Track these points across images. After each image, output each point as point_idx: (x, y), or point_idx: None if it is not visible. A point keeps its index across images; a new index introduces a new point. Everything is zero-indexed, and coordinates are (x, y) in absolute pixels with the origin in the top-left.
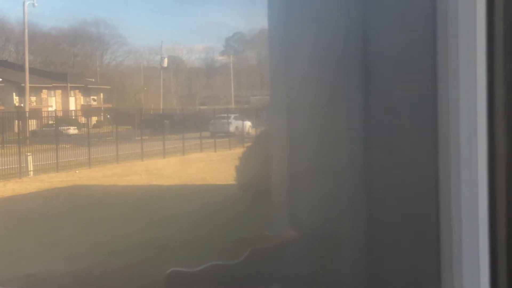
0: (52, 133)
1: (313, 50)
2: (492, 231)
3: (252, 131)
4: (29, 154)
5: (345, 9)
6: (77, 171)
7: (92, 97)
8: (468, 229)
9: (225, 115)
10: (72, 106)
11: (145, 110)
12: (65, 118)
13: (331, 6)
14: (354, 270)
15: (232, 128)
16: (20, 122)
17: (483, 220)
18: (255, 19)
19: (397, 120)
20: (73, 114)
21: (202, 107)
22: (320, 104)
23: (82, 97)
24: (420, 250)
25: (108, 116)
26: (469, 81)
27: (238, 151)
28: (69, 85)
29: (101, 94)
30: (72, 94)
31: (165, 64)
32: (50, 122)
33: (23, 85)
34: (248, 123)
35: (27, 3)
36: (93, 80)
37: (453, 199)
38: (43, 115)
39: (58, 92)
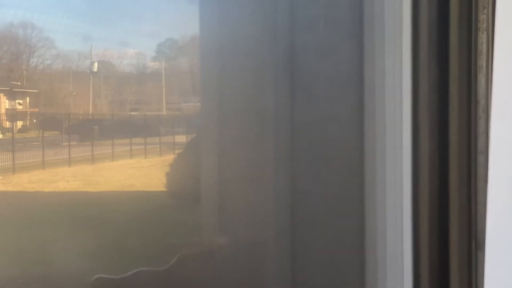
0: None
1: (243, 55)
2: (415, 236)
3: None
4: None
5: (272, 9)
6: (0, 177)
7: (17, 101)
8: (393, 240)
9: None
10: None
11: (74, 115)
12: None
13: (259, 9)
14: (279, 275)
15: None
16: None
17: (407, 229)
18: (187, 25)
19: (323, 119)
20: None
21: (132, 113)
22: (250, 109)
23: (7, 100)
24: (344, 253)
25: (35, 120)
26: (394, 76)
27: (169, 157)
28: None
29: (28, 98)
30: None
31: (95, 69)
32: None
33: None
34: None
35: None
36: (19, 83)
37: (378, 202)
38: None
39: None
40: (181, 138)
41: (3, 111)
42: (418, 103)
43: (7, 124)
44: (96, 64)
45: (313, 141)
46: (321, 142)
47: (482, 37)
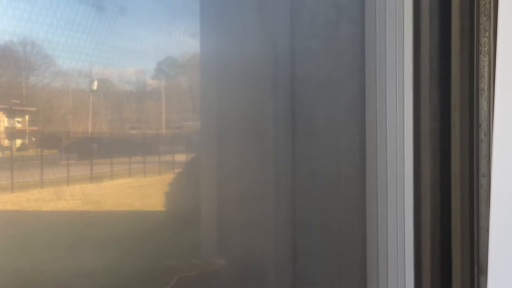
0: None
1: (243, 75)
2: (418, 262)
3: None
4: None
5: (273, 34)
6: None
7: (16, 119)
8: (395, 268)
9: None
10: None
11: (73, 134)
12: None
13: (260, 31)
14: None
15: None
16: None
17: (409, 256)
18: (187, 44)
19: (322, 144)
20: None
21: (132, 132)
22: (250, 129)
23: (6, 119)
24: (346, 273)
25: (34, 139)
26: (396, 107)
27: (169, 177)
28: None
29: (27, 116)
30: None
31: (95, 87)
32: None
33: None
34: None
35: None
36: (18, 101)
37: (380, 229)
38: None
39: None
40: (181, 157)
41: (2, 129)
42: (420, 132)
43: (6, 142)
44: (95, 82)
45: (312, 165)
46: (320, 168)
47: (484, 60)
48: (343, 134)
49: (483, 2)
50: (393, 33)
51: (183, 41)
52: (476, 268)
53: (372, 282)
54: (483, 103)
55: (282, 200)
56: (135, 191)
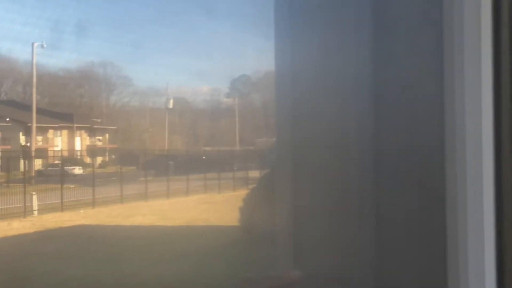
0: (57, 173)
1: (322, 93)
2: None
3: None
4: (34, 193)
5: (356, 47)
6: (81, 211)
7: (97, 137)
8: (475, 263)
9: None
10: (77, 146)
11: (150, 151)
12: (71, 158)
13: (341, 46)
14: None
15: None
16: (26, 161)
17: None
18: (261, 62)
19: (405, 145)
20: (78, 154)
21: (206, 149)
22: (328, 145)
23: (87, 137)
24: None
25: (113, 156)
26: (475, 110)
27: (242, 192)
28: (75, 125)
29: (107, 134)
30: (78, 134)
31: (171, 105)
32: (55, 162)
33: (29, 125)
34: None
35: (36, 44)
36: (99, 120)
37: (459, 219)
38: (48, 155)
39: (64, 132)
40: (255, 173)
41: (84, 147)
42: (501, 133)
43: (88, 159)
44: (171, 101)
45: (396, 171)
46: (404, 172)
47: None
48: (423, 133)
49: None
50: (471, 32)
51: (256, 58)
52: None
53: (453, 282)
54: None
55: (363, 212)
56: (210, 206)
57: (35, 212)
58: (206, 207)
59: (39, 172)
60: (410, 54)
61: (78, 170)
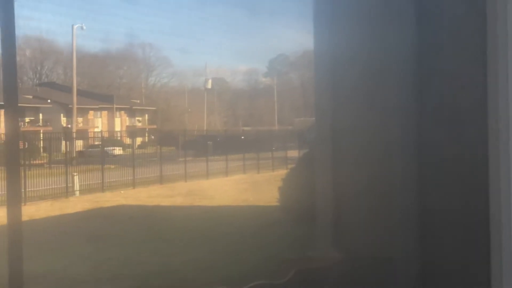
0: (98, 154)
1: (362, 72)
2: None
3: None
4: (75, 174)
5: (399, 29)
6: (122, 192)
7: (137, 118)
8: None
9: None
10: (117, 127)
11: (189, 132)
12: (111, 139)
13: (383, 31)
14: None
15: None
16: (67, 142)
17: None
18: (299, 41)
19: (448, 136)
20: (118, 135)
21: (245, 129)
22: (367, 126)
23: (127, 118)
24: (471, 262)
25: (153, 137)
26: None
27: (282, 172)
28: (115, 106)
29: (146, 115)
30: (118, 115)
31: (209, 85)
32: (96, 143)
33: (70, 106)
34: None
35: (75, 26)
36: (138, 101)
37: (504, 210)
38: (89, 136)
39: (104, 113)
40: (293, 153)
41: (124, 128)
42: None
43: (128, 140)
44: (210, 81)
45: (439, 162)
46: (447, 162)
47: None
48: (467, 124)
49: None
50: None
51: (295, 38)
52: None
53: (496, 272)
54: None
55: (409, 194)
56: (249, 186)
57: (77, 193)
58: (245, 187)
59: (80, 153)
60: (454, 44)
61: (118, 151)
